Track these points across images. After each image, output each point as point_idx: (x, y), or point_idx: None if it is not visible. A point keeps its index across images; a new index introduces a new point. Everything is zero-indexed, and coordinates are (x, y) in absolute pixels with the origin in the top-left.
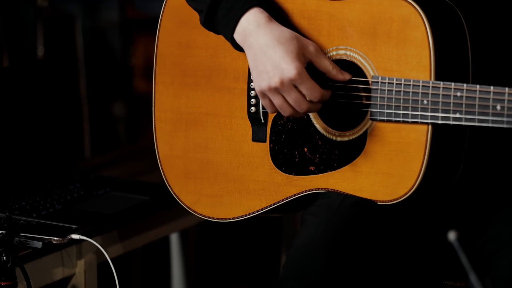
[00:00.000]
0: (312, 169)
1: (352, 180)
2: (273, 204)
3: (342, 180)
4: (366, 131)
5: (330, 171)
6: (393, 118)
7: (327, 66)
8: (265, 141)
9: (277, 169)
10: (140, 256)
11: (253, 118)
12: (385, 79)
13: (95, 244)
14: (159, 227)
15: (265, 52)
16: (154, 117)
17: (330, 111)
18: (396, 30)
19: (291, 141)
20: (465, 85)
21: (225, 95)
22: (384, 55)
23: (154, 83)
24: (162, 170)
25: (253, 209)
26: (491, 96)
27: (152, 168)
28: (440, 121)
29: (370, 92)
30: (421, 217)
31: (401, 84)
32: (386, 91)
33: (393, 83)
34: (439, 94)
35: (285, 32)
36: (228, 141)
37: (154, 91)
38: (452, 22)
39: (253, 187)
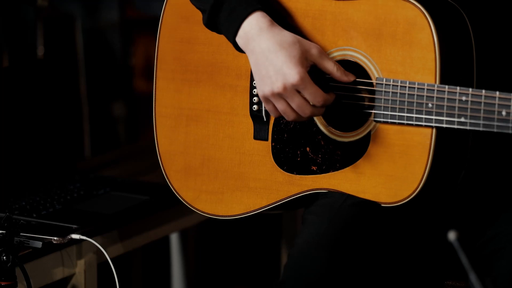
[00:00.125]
0: (314, 169)
1: (355, 181)
2: (274, 203)
3: (344, 181)
4: (369, 133)
5: (333, 171)
6: (397, 121)
7: (331, 67)
8: (267, 140)
9: (279, 168)
10: (140, 256)
11: (255, 116)
12: (390, 81)
13: (95, 244)
14: (159, 227)
15: (267, 57)
16: (155, 111)
17: (333, 111)
18: (402, 32)
19: (293, 140)
20: (470, 89)
21: (227, 92)
22: (389, 57)
23: (155, 78)
24: (162, 165)
25: (253, 207)
26: (497, 101)
27: (152, 168)
28: (444, 125)
29: (374, 94)
30: (422, 217)
31: (405, 86)
32: (390, 93)
33: (397, 86)
34: (444, 98)
35: (287, 36)
36: (229, 138)
37: (155, 86)
38: (457, 25)
39: (254, 185)
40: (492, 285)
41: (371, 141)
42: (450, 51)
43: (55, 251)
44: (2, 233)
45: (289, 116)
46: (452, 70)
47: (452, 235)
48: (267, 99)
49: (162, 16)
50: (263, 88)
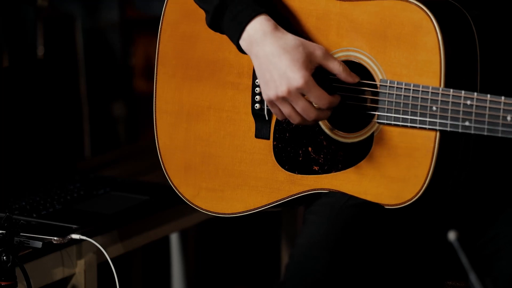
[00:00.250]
0: (316, 169)
1: (357, 182)
2: (274, 202)
3: (346, 182)
4: (372, 134)
5: (335, 172)
6: (400, 123)
7: (336, 68)
8: (268, 138)
9: (280, 167)
10: (140, 256)
11: (257, 114)
12: (394, 83)
13: (95, 244)
14: (159, 227)
15: (271, 61)
16: (155, 107)
17: (337, 112)
18: (407, 34)
19: (295, 139)
20: (475, 93)
21: (228, 90)
22: (394, 59)
23: (156, 73)
24: (162, 161)
25: (254, 206)
26: (502, 106)
27: (152, 168)
28: (449, 129)
29: (378, 96)
30: (423, 218)
31: (410, 89)
32: (394, 95)
33: (402, 88)
34: (448, 102)
35: (291, 40)
36: (230, 136)
37: (156, 82)
38: (461, 27)
39: (255, 183)
40: (492, 285)
41: (374, 143)
42: (455, 54)
43: (55, 251)
44: (2, 233)
45: (294, 119)
46: (456, 74)
47: (452, 235)
48: (272, 103)
49: (164, 12)
50: (267, 92)
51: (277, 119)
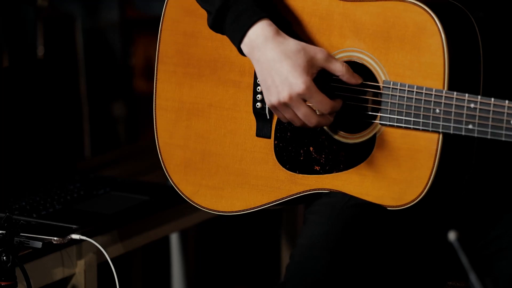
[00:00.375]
0: (317, 169)
1: (358, 183)
2: (275, 201)
3: (347, 182)
4: (375, 135)
5: (336, 172)
6: (403, 125)
7: (339, 69)
8: (269, 137)
9: (281, 166)
10: (140, 256)
11: (259, 113)
12: (397, 85)
13: (95, 244)
14: (159, 227)
15: (273, 66)
16: (155, 104)
17: (339, 112)
18: (410, 36)
19: (296, 139)
20: (479, 97)
21: (229, 88)
22: (397, 60)
23: (156, 70)
24: (162, 158)
25: (254, 204)
26: (506, 110)
27: (152, 168)
28: (452, 131)
29: (381, 97)
30: (424, 218)
31: (413, 91)
32: (397, 97)
33: (405, 90)
34: (452, 104)
35: (292, 44)
36: (231, 134)
37: (156, 79)
38: (465, 30)
39: (256, 182)
40: (492, 285)
41: (376, 144)
42: (458, 56)
43: (55, 251)
44: (2, 233)
45: (296, 123)
46: (460, 76)
47: (452, 235)
48: (274, 108)
49: (165, 8)
50: (269, 97)
51: (278, 118)
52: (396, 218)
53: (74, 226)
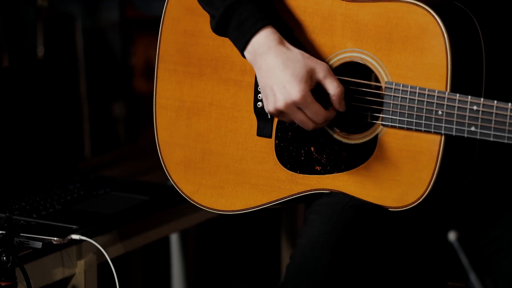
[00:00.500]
0: (318, 169)
1: (359, 184)
2: (275, 201)
3: (349, 183)
4: (376, 136)
5: (337, 172)
6: (405, 126)
7: (334, 90)
8: (270, 137)
9: (282, 166)
10: (140, 256)
11: (259, 113)
12: (399, 86)
13: (95, 244)
14: (159, 227)
15: (273, 74)
16: (155, 103)
17: (341, 113)
18: (413, 37)
19: (297, 139)
20: (482, 99)
21: (230, 87)
22: (399, 61)
23: (157, 69)
24: (161, 157)
25: (254, 204)
26: (509, 113)
27: (152, 168)
28: (454, 133)
29: (383, 98)
30: (425, 219)
31: (415, 92)
32: (400, 98)
33: (407, 91)
34: (454, 106)
35: (294, 54)
36: (231, 133)
37: (156, 77)
38: (467, 31)
39: (256, 182)
40: (492, 285)
41: (377, 145)
42: (461, 58)
43: (55, 252)
44: (2, 234)
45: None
46: (462, 78)
47: (452, 235)
48: (272, 114)
49: (166, 7)
50: (267, 104)
51: None
52: (396, 219)
53: (74, 226)
